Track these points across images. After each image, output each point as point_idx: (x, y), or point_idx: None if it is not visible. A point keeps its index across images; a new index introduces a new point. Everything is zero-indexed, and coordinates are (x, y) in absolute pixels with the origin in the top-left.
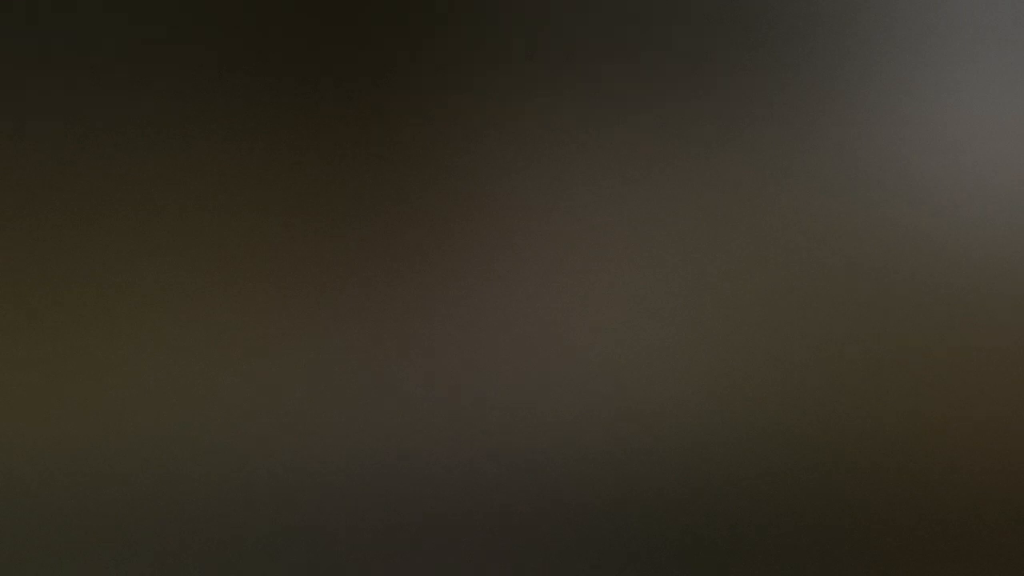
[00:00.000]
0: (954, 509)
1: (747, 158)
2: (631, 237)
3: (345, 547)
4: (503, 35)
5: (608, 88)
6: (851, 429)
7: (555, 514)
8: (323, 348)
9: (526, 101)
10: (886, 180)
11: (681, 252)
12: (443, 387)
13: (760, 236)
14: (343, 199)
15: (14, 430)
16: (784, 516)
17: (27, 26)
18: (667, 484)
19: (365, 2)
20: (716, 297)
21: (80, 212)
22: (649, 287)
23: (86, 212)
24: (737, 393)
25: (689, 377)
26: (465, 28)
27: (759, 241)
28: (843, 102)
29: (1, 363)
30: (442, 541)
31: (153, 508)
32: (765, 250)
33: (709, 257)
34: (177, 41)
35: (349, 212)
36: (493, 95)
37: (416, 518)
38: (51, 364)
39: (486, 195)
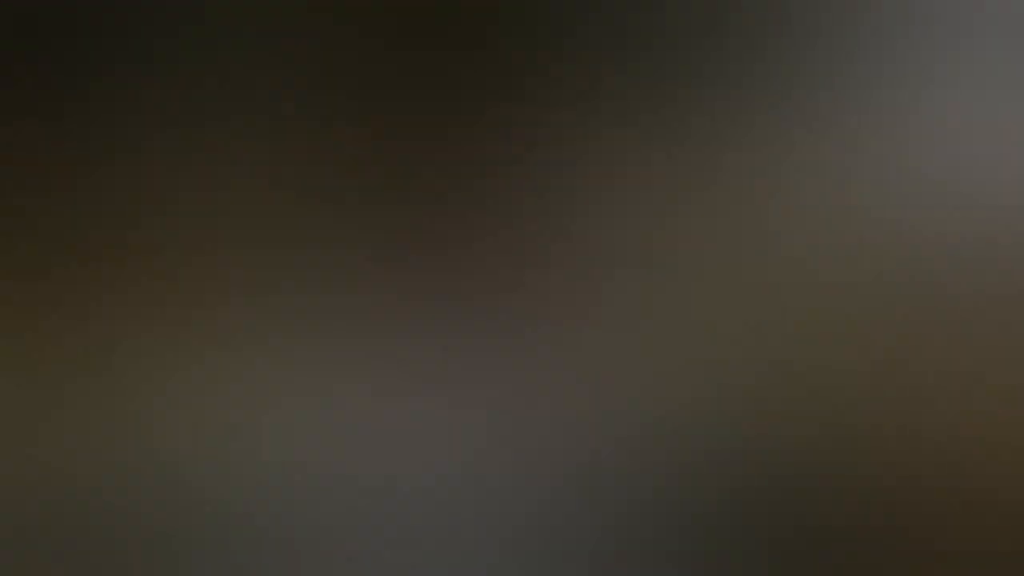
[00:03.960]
0: (958, 509)
1: (748, 159)
2: (633, 238)
3: (347, 553)
4: (505, 36)
5: (609, 89)
6: (853, 429)
7: (559, 520)
8: (329, 354)
9: (530, 102)
10: (888, 180)
11: (683, 252)
12: (454, 393)
13: (762, 235)
14: (342, 199)
15: (15, 431)
16: (786, 518)
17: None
18: (669, 485)
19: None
20: (719, 297)
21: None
22: (651, 287)
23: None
24: (737, 392)
25: (689, 376)
26: (469, 29)
27: (761, 240)
28: (845, 102)
29: (3, 363)
30: (445, 549)
31: (153, 510)
32: (767, 250)
33: (712, 256)
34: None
35: (351, 213)
36: (495, 98)
37: (424, 523)
38: (53, 366)
39: (487, 196)
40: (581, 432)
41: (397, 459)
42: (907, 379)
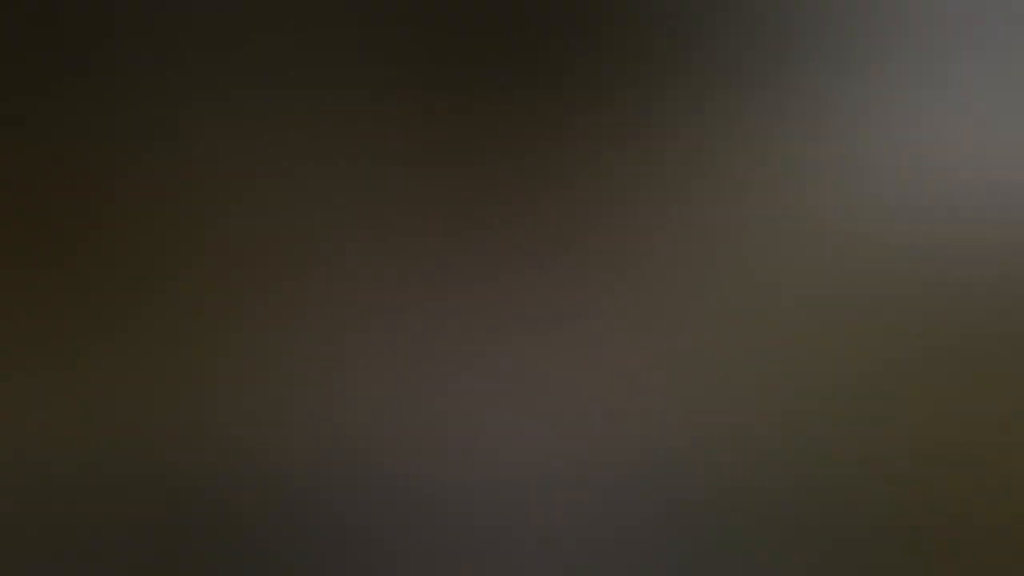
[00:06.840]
0: (962, 514)
1: (750, 158)
2: (637, 238)
3: (351, 552)
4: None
5: (612, 89)
6: (855, 429)
7: (560, 521)
8: (337, 349)
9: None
10: (890, 180)
11: (686, 252)
12: (459, 395)
13: (764, 236)
14: (340, 200)
15: (19, 428)
16: (790, 521)
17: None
18: (668, 484)
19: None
20: (722, 296)
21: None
22: (655, 286)
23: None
24: (739, 392)
25: (691, 377)
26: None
27: (764, 241)
28: (846, 103)
29: (11, 359)
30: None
31: (159, 507)
32: (769, 249)
33: (714, 256)
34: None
35: (356, 212)
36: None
37: (427, 523)
38: (57, 362)
39: (494, 197)
40: (590, 432)
41: (415, 451)
42: (913, 380)
